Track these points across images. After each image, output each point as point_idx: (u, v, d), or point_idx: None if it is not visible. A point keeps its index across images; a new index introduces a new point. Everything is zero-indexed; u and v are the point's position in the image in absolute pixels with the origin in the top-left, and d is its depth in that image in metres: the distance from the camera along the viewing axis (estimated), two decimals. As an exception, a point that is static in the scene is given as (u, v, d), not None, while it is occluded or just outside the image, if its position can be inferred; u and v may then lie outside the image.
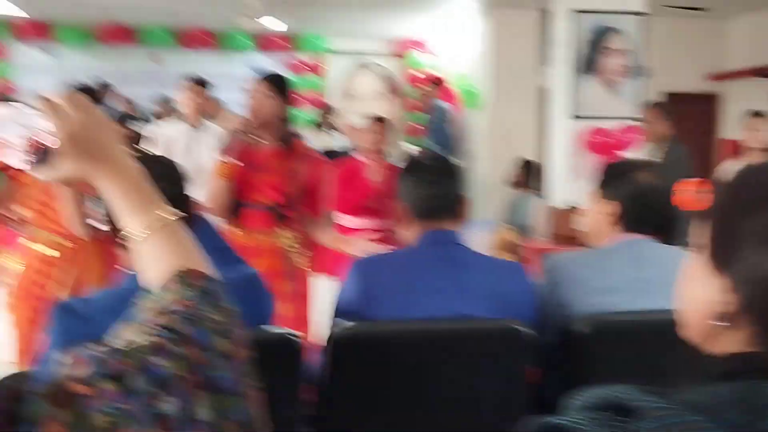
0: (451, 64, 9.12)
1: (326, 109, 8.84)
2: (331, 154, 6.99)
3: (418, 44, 9.79)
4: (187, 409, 0.64)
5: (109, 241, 2.52)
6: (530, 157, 6.94)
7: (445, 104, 7.94)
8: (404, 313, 1.68)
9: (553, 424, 0.67)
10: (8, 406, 0.54)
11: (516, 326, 1.64)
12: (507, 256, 4.69)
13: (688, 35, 8.35)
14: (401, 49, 9.95)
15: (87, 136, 0.85)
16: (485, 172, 7.87)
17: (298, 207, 2.90)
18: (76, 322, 1.41)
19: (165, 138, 4.15)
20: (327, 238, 2.94)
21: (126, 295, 1.40)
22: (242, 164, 2.79)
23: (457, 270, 1.72)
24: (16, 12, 8.37)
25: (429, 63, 9.78)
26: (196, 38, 9.36)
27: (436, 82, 8.04)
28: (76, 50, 9.28)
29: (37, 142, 0.75)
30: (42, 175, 0.77)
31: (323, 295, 3.05)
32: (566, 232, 4.77)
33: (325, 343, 1.64)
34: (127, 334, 0.72)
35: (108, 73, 9.24)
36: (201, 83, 4.14)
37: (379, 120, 4.08)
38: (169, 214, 0.86)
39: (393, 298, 1.70)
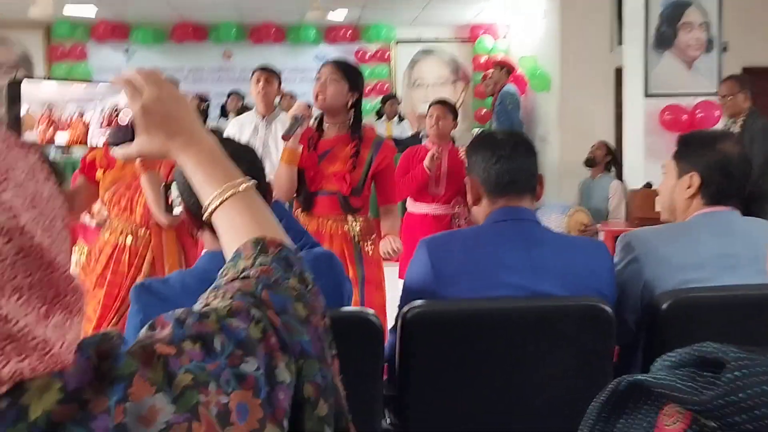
0: (520, 47, 8.98)
1: (390, 98, 8.83)
2: (396, 143, 7.00)
3: (486, 29, 9.65)
4: (267, 370, 0.64)
5: (185, 226, 2.58)
6: (605, 138, 6.78)
7: (513, 88, 7.82)
8: (476, 292, 1.65)
9: (638, 380, 0.65)
10: (99, 364, 0.55)
11: (598, 303, 1.59)
12: (582, 241, 4.59)
13: (767, 7, 7.96)
14: (469, 35, 9.84)
15: (162, 110, 0.86)
16: (557, 156, 7.72)
17: (367, 194, 2.90)
18: (155, 302, 1.44)
19: (236, 130, 4.22)
20: (384, 228, 2.94)
21: (203, 275, 1.43)
22: (309, 150, 2.80)
23: (530, 247, 1.67)
24: (95, 14, 8.70)
25: (497, 47, 9.64)
26: (265, 33, 9.50)
27: (505, 66, 7.93)
28: (151, 49, 9.55)
29: (114, 119, 0.76)
30: (119, 152, 0.79)
31: (393, 281, 3.06)
32: (643, 214, 4.64)
33: (395, 323, 1.64)
34: (206, 299, 0.73)
35: (180, 70, 9.52)
36: (271, 73, 4.18)
37: (439, 103, 4.04)
38: (242, 182, 0.86)
39: (464, 276, 1.67)
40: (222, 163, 0.88)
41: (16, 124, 0.88)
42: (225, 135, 4.27)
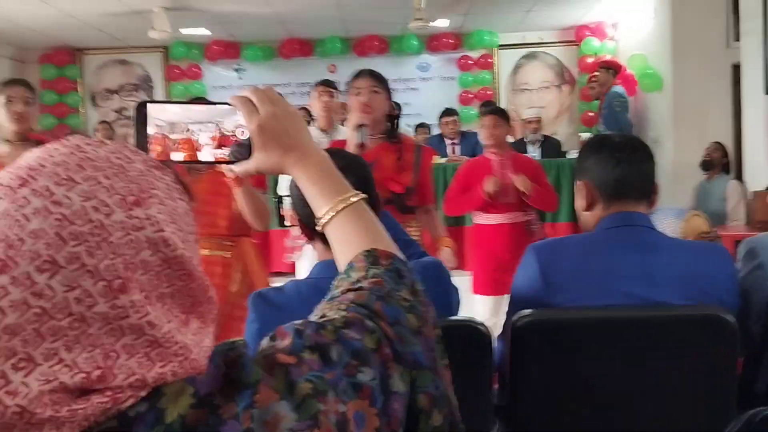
0: (629, 46, 8.68)
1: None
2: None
3: (592, 30, 9.40)
4: (382, 380, 0.66)
5: (272, 235, 2.65)
6: (722, 138, 6.45)
7: (621, 89, 7.57)
8: (588, 300, 1.61)
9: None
10: (228, 372, 0.58)
11: (719, 312, 1.52)
12: (699, 246, 4.38)
13: None
14: (574, 37, 9.62)
15: (277, 127, 0.89)
16: (670, 158, 7.40)
17: (417, 198, 2.91)
18: (271, 310, 1.50)
19: None
20: (434, 230, 2.93)
21: (317, 284, 1.47)
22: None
23: (645, 254, 1.62)
24: (208, 35, 9.13)
25: (604, 48, 9.36)
26: (369, 45, 9.64)
27: (611, 67, 7.68)
28: (260, 66, 9.90)
29: (232, 138, 0.81)
30: (238, 168, 0.84)
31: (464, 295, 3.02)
32: (767, 217, 4.38)
33: (503, 332, 1.62)
34: (321, 310, 0.75)
35: (288, 84, 9.81)
36: (330, 86, 4.20)
37: (490, 113, 3.95)
38: (355, 195, 0.88)
39: (575, 284, 1.63)
40: (333, 176, 0.91)
41: (144, 142, 0.94)
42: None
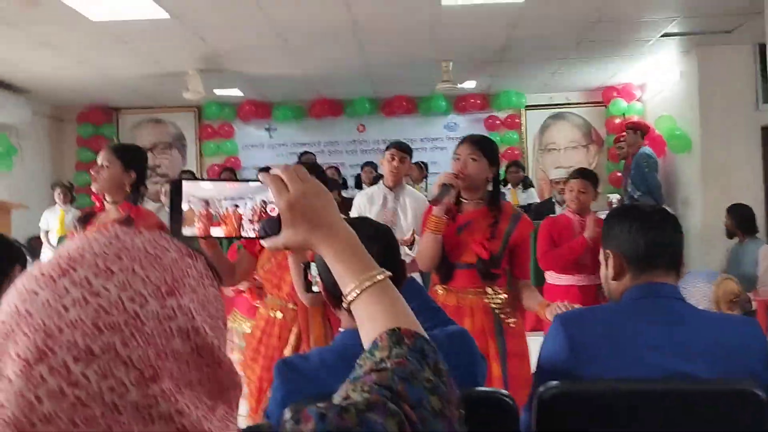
0: (657, 108, 8.71)
1: (512, 164, 8.67)
2: (527, 210, 6.91)
3: (619, 91, 9.46)
4: None
5: (328, 303, 2.66)
6: (753, 200, 6.39)
7: (649, 150, 7.57)
8: (616, 372, 1.59)
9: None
10: None
11: (749, 387, 1.49)
12: (731, 311, 4.31)
13: None
14: (601, 98, 9.68)
15: (306, 205, 0.92)
16: (700, 219, 7.34)
17: (504, 266, 2.88)
18: (296, 378, 1.50)
19: (364, 201, 4.34)
20: (529, 301, 2.86)
21: (342, 352, 1.48)
22: (450, 221, 2.82)
23: (674, 325, 1.60)
24: (241, 95, 9.36)
25: (632, 109, 9.40)
26: (397, 105, 9.80)
27: (639, 128, 7.71)
28: (290, 125, 10.09)
29: (262, 214, 0.84)
30: (267, 243, 0.86)
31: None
32: (801, 283, 4.29)
33: (529, 402, 1.60)
34: (345, 391, 0.76)
35: (317, 144, 9.98)
36: (402, 149, 4.27)
37: (580, 177, 3.95)
38: (380, 273, 0.90)
39: (603, 355, 1.61)
40: (360, 254, 0.93)
41: (178, 219, 0.97)
42: (354, 205, 4.42)
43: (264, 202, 0.99)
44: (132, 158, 3.05)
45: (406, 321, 0.87)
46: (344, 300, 0.93)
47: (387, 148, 4.31)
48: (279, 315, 2.80)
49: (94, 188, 3.02)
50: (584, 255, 3.74)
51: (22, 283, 0.58)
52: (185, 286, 0.60)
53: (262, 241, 1.00)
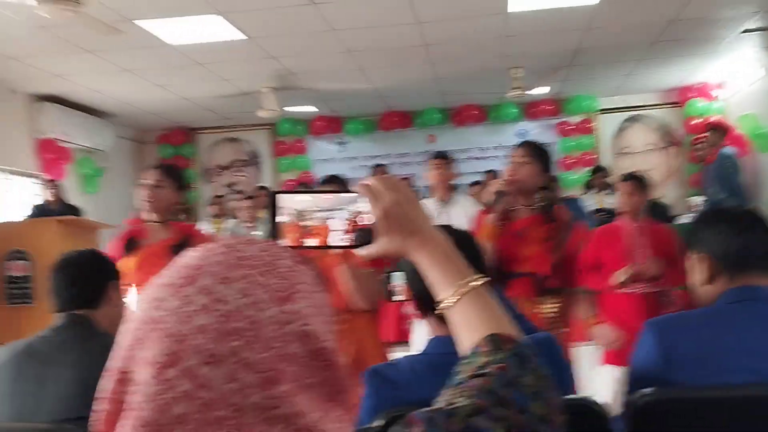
0: (738, 106, 8.40)
1: (597, 169, 8.52)
2: (608, 214, 6.75)
3: (697, 91, 9.18)
4: None
5: (381, 311, 2.66)
6: None
7: (732, 151, 7.30)
8: (712, 379, 1.54)
9: None
10: None
11: None
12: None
13: None
14: (679, 98, 9.41)
15: (400, 213, 0.94)
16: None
17: (560, 276, 2.82)
18: (386, 386, 1.52)
19: None
20: (582, 311, 2.81)
21: (432, 360, 1.49)
22: (504, 229, 2.79)
23: (774, 329, 1.55)
24: (313, 111, 9.53)
25: (712, 108, 9.10)
26: (467, 114, 9.77)
27: (719, 128, 7.44)
28: (361, 139, 10.20)
29: (356, 223, 0.86)
30: (362, 252, 0.89)
31: (587, 365, 2.86)
32: None
33: (622, 411, 1.57)
34: (449, 396, 0.77)
35: (387, 156, 10.03)
36: (445, 158, 4.24)
37: (629, 179, 3.83)
38: (478, 279, 0.91)
39: (698, 361, 1.56)
40: (454, 260, 0.94)
41: (276, 230, 1.01)
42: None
43: (356, 212, 1.01)
44: (182, 178, 3.16)
45: (505, 326, 0.87)
46: (439, 306, 0.94)
47: (429, 159, 4.30)
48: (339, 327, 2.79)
49: (146, 208, 3.04)
50: (643, 263, 3.61)
51: (151, 293, 0.62)
52: (300, 291, 0.62)
53: (356, 250, 1.02)
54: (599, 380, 3.59)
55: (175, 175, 3.13)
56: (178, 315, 0.58)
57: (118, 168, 9.69)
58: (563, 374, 1.60)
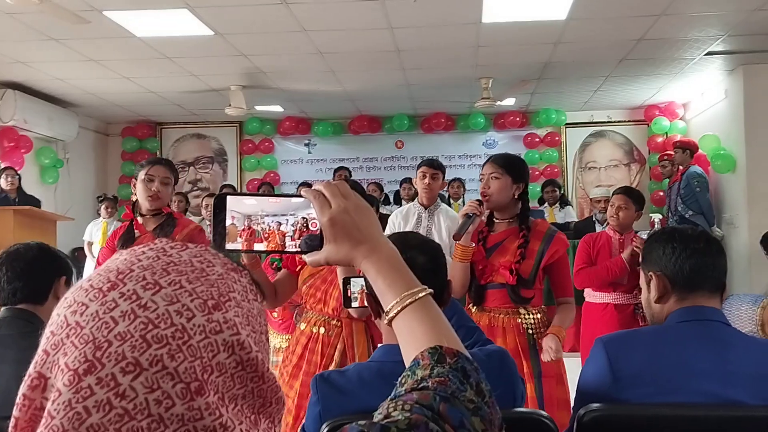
0: (700, 127, 8.57)
1: (549, 184, 8.53)
2: (564, 228, 6.82)
3: (661, 110, 9.33)
4: None
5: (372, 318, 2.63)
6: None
7: (699, 169, 7.45)
8: (659, 397, 1.55)
9: None
10: None
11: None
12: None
13: None
14: (643, 116, 9.56)
15: (348, 221, 0.92)
16: (746, 241, 7.17)
17: (539, 286, 2.84)
18: (333, 393, 1.50)
19: (399, 219, 4.32)
20: (557, 320, 2.81)
21: (380, 368, 1.48)
22: (479, 245, 2.81)
23: (720, 351, 1.56)
24: (281, 111, 9.47)
25: (675, 128, 9.26)
26: (436, 122, 9.81)
27: (689, 147, 7.57)
28: (329, 141, 10.17)
29: (303, 228, 0.84)
30: (308, 259, 0.87)
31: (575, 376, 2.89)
32: None
33: (570, 426, 1.57)
34: (386, 409, 0.75)
35: (356, 159, 10.03)
36: (438, 169, 4.24)
37: (622, 192, 3.89)
38: (422, 291, 0.90)
39: (645, 379, 1.58)
40: (401, 270, 0.93)
41: (222, 234, 0.98)
42: (389, 223, 4.41)
43: (306, 217, 1.00)
44: (177, 172, 3.28)
45: (448, 339, 0.86)
46: (385, 317, 0.93)
47: (419, 166, 4.28)
48: (322, 330, 2.77)
49: (153, 205, 3.14)
50: (623, 276, 3.69)
51: (72, 295, 0.59)
52: (231, 300, 0.60)
53: (304, 257, 1.00)
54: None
55: (174, 170, 3.26)
56: (100, 320, 0.56)
57: (80, 159, 9.52)
58: (515, 388, 1.60)
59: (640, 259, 1.82)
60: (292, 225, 1.00)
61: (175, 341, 0.55)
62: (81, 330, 0.56)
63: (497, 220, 2.87)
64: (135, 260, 0.61)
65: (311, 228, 0.99)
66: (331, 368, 2.70)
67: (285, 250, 1.00)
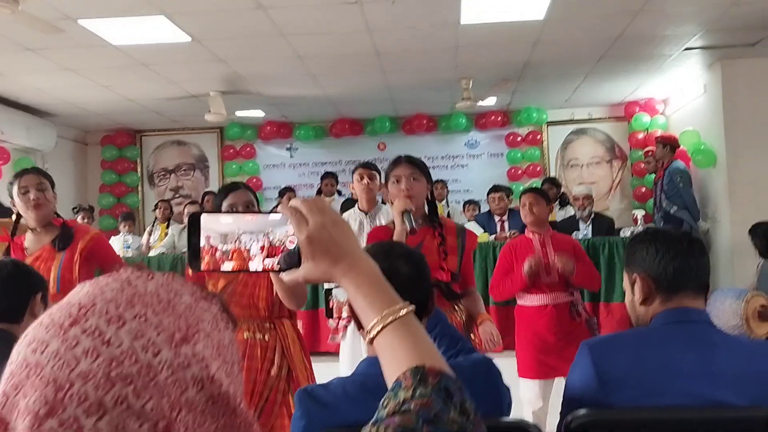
0: (680, 122, 8.62)
1: (546, 181, 8.53)
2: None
3: (641, 106, 9.38)
4: None
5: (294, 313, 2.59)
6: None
7: (682, 165, 7.48)
8: (646, 400, 1.55)
9: None
10: None
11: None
12: (761, 330, 4.21)
13: None
14: (623, 113, 9.60)
15: (326, 238, 0.90)
16: (728, 236, 7.22)
17: (460, 281, 2.87)
18: (317, 408, 1.48)
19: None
20: (472, 308, 2.86)
21: (364, 382, 1.45)
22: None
23: (706, 352, 1.56)
24: (262, 116, 9.42)
25: (655, 124, 9.32)
26: (417, 123, 9.79)
27: (669, 142, 7.60)
28: (311, 145, 10.13)
29: (282, 247, 0.82)
30: (286, 276, 0.85)
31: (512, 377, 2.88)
32: (835, 300, 4.17)
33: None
34: None
35: (338, 162, 10.00)
36: (374, 170, 4.19)
37: (530, 191, 3.90)
38: (403, 308, 0.88)
39: (632, 382, 1.57)
40: (381, 287, 0.91)
41: (196, 253, 0.96)
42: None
43: (283, 234, 0.97)
44: (50, 177, 3.21)
45: (431, 358, 0.84)
46: (366, 335, 0.91)
47: (354, 170, 4.20)
48: (258, 336, 2.68)
49: (40, 214, 3.09)
50: (550, 275, 3.67)
51: (32, 332, 0.57)
52: (200, 331, 0.58)
53: (282, 275, 0.98)
54: (519, 394, 3.64)
55: (47, 175, 3.17)
56: (61, 359, 0.53)
57: (59, 169, 9.40)
58: (501, 397, 1.58)
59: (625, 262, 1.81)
60: (270, 242, 0.98)
61: (140, 379, 0.53)
62: (41, 370, 0.53)
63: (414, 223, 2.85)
64: (98, 293, 0.58)
65: (288, 245, 0.97)
66: (273, 371, 2.67)
67: (261, 269, 0.98)
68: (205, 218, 0.96)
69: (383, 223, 4.05)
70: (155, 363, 0.54)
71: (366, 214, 4.10)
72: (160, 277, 0.61)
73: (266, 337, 2.70)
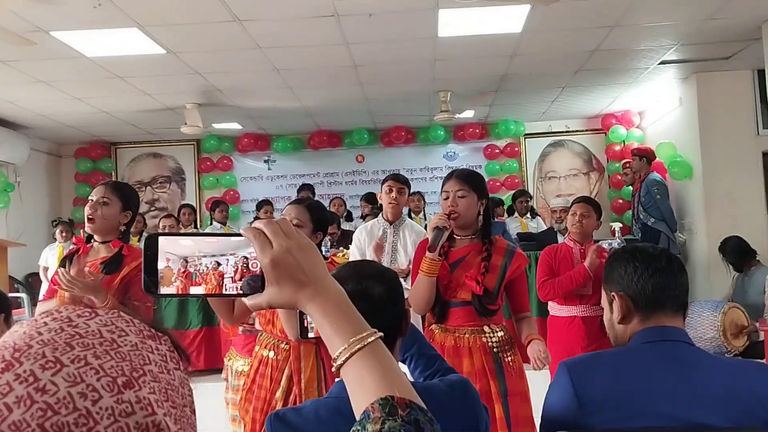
0: (656, 135, 8.69)
1: (521, 194, 8.58)
2: (530, 239, 6.81)
3: (618, 118, 9.45)
4: None
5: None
6: (756, 226, 6.35)
7: (659, 177, 7.53)
8: (625, 423, 1.51)
9: None
10: None
11: (766, 438, 1.42)
12: (737, 340, 4.22)
13: None
14: (600, 125, 9.67)
15: (291, 262, 0.86)
16: (705, 247, 7.27)
17: (500, 302, 2.81)
18: (289, 432, 1.43)
19: (364, 235, 4.27)
20: (524, 332, 2.79)
21: (337, 405, 1.41)
22: (443, 261, 2.76)
23: (685, 372, 1.53)
24: (239, 128, 9.35)
25: (632, 136, 9.38)
26: (396, 136, 9.78)
27: (646, 154, 7.65)
28: (289, 157, 10.07)
29: (243, 269, 0.79)
30: (249, 302, 0.82)
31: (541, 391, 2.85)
32: (810, 312, 4.20)
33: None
34: None
35: (316, 174, 9.95)
36: (399, 180, 4.21)
37: (583, 201, 3.89)
38: (371, 335, 0.84)
39: (611, 404, 1.54)
40: (348, 313, 0.87)
41: (154, 277, 0.91)
42: (354, 239, 4.34)
43: (246, 257, 0.93)
44: (130, 198, 2.99)
45: (400, 388, 0.80)
46: (333, 363, 0.86)
47: (384, 181, 4.24)
48: (272, 355, 2.71)
49: (90, 227, 2.89)
50: (586, 285, 3.67)
51: None
52: (146, 374, 0.53)
53: (245, 300, 0.93)
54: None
55: (123, 193, 2.96)
56: None
57: (32, 182, 9.27)
58: (478, 419, 1.54)
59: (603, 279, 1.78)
60: (232, 266, 0.93)
61: (78, 429, 0.48)
62: None
63: (458, 236, 2.83)
64: (35, 334, 0.53)
65: (252, 268, 0.93)
66: (278, 393, 2.65)
67: (224, 293, 0.93)
68: (162, 241, 0.92)
69: (407, 234, 4.05)
70: (94, 411, 0.49)
71: (390, 224, 4.11)
72: (104, 315, 0.56)
73: (279, 357, 2.70)
